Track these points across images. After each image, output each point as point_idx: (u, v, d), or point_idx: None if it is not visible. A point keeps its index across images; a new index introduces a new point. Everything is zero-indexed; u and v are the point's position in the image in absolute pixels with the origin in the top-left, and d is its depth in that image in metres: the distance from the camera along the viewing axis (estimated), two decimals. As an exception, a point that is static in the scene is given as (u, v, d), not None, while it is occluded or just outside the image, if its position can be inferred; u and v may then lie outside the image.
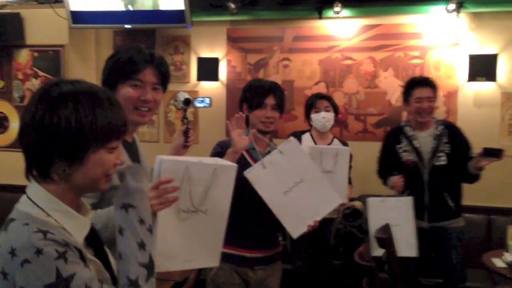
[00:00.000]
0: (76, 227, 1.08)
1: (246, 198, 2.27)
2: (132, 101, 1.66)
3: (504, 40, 4.02)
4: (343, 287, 3.68)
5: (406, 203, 2.96)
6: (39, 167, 1.06)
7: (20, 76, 4.58)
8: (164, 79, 1.73)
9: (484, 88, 4.05)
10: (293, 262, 3.55)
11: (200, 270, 2.98)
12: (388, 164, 3.26)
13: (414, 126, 3.16)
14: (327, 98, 3.40)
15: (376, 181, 4.04)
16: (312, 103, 3.37)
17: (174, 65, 4.72)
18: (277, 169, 2.17)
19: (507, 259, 3.04)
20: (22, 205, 1.07)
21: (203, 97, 2.34)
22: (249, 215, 2.30)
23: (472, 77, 3.95)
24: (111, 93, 1.17)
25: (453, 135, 3.10)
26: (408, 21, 4.20)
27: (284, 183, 2.18)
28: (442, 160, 3.07)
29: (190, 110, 2.19)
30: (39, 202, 1.06)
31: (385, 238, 3.00)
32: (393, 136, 3.25)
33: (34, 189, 1.08)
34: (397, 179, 3.09)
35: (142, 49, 1.70)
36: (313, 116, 3.33)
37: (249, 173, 2.16)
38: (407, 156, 3.13)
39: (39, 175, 1.07)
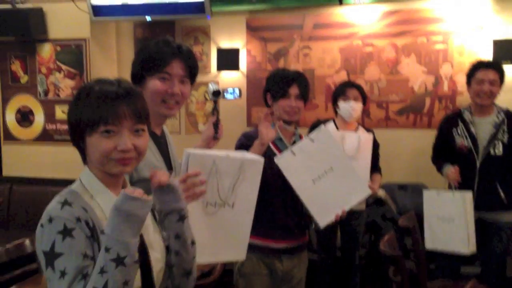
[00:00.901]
0: (105, 202, 1.21)
1: (272, 188, 2.28)
2: (160, 94, 1.68)
3: (530, 23, 3.93)
4: (368, 276, 3.67)
5: (462, 198, 2.87)
6: (78, 151, 1.25)
7: (44, 70, 4.64)
8: (192, 71, 1.74)
9: (510, 73, 3.97)
10: (319, 254, 3.54)
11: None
12: (443, 150, 3.18)
13: (474, 111, 3.08)
14: (357, 87, 3.31)
15: (399, 169, 4.02)
16: (341, 91, 3.29)
17: (195, 54, 4.72)
18: (307, 156, 2.18)
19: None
20: (74, 183, 1.25)
21: (233, 88, 2.33)
22: (276, 205, 2.31)
23: (497, 61, 3.86)
24: (105, 87, 1.21)
25: None
26: (430, 5, 4.13)
27: (313, 170, 2.19)
28: (498, 150, 2.97)
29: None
30: (83, 179, 1.24)
31: (410, 227, 3.00)
32: (450, 121, 3.17)
33: (84, 170, 1.26)
34: (452, 172, 3.01)
35: (170, 42, 1.71)
36: (341, 104, 3.25)
37: (279, 160, 2.17)
38: (462, 141, 3.06)
39: (82, 158, 1.26)
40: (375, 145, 3.28)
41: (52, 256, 1.10)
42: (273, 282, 2.37)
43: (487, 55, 3.92)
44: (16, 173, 4.72)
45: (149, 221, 1.30)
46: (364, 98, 3.31)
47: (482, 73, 3.00)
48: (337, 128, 3.33)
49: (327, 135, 2.25)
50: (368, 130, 3.35)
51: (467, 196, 2.89)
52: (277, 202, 2.31)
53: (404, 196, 4.01)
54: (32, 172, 4.60)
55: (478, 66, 3.05)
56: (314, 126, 3.40)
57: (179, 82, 1.70)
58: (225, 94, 2.32)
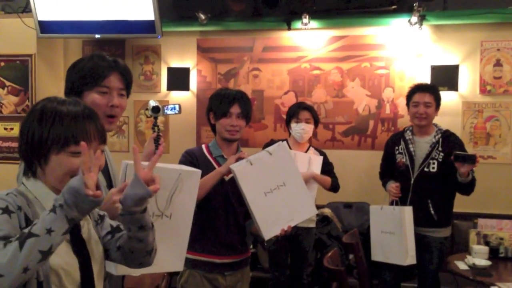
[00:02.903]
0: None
1: (216, 205, 2.33)
2: (101, 108, 1.68)
3: (465, 51, 4.20)
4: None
5: (401, 212, 3.02)
6: (27, 167, 1.27)
7: (-14, 86, 4.50)
8: (128, 85, 1.78)
9: (446, 97, 4.20)
10: (272, 272, 3.59)
11: (171, 278, 2.99)
12: (388, 167, 3.32)
13: (415, 131, 3.23)
14: (310, 109, 3.41)
15: (345, 188, 4.13)
16: (294, 113, 3.38)
17: (145, 74, 4.73)
18: (263, 168, 2.23)
19: (469, 262, 3.14)
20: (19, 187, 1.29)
21: (173, 104, 2.40)
22: (219, 222, 2.34)
23: (433, 85, 4.08)
24: (72, 108, 1.25)
25: (448, 144, 3.12)
26: (374, 32, 4.34)
27: (266, 183, 2.23)
28: (432, 168, 3.10)
29: (160, 118, 2.22)
30: (28, 185, 1.27)
31: (353, 243, 3.09)
32: (394, 140, 3.34)
33: (27, 181, 1.28)
34: (393, 187, 3.15)
35: (105, 57, 1.74)
36: (293, 125, 3.35)
37: (235, 167, 2.20)
38: (401, 158, 3.20)
39: (30, 174, 1.27)
40: (329, 166, 3.42)
41: None
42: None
43: (426, 80, 4.14)
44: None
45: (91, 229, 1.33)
46: (316, 120, 3.42)
47: (418, 96, 3.17)
48: (290, 147, 3.41)
49: (285, 151, 2.32)
50: (320, 152, 3.45)
51: (406, 211, 3.03)
52: (220, 219, 2.34)
53: (349, 214, 4.13)
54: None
55: (415, 89, 3.22)
56: (267, 146, 3.47)
57: (118, 95, 1.73)
58: (165, 110, 2.37)
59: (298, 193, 2.30)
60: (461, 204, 3.36)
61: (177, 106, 2.37)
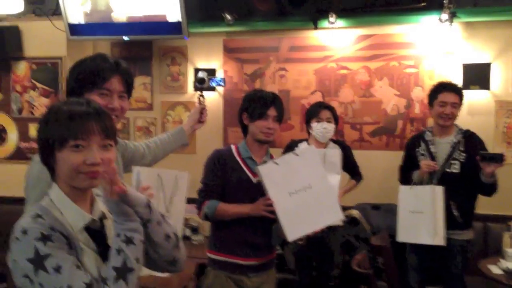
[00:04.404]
0: (73, 217, 1.26)
1: (241, 203, 2.34)
2: None
3: (497, 49, 4.08)
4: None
5: (432, 190, 2.97)
6: (47, 168, 1.30)
7: (19, 88, 4.61)
8: (129, 86, 1.78)
9: (478, 96, 4.11)
10: (298, 274, 3.56)
11: (198, 279, 3.00)
12: (409, 169, 3.26)
13: (435, 132, 3.18)
14: (330, 108, 3.39)
15: (373, 189, 4.08)
16: (314, 112, 3.37)
17: (171, 75, 4.76)
18: (289, 169, 2.24)
19: (503, 266, 3.06)
20: (43, 199, 1.30)
21: (219, 78, 2.63)
22: (244, 223, 2.34)
23: (466, 85, 3.98)
24: (73, 107, 1.27)
25: (470, 144, 3.07)
26: (402, 31, 4.26)
27: (292, 184, 2.24)
28: (454, 168, 3.05)
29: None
30: (51, 195, 1.29)
31: (382, 246, 3.05)
32: (414, 141, 3.30)
33: (52, 187, 1.30)
34: (426, 162, 3.07)
35: (107, 58, 1.74)
36: (314, 125, 3.33)
37: (261, 167, 2.22)
38: (424, 160, 3.13)
39: (51, 175, 1.30)
40: (351, 159, 3.43)
41: (39, 259, 1.14)
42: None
43: (457, 79, 4.05)
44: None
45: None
46: (336, 119, 3.39)
47: (445, 95, 3.10)
48: None
49: (312, 153, 2.33)
50: (341, 145, 3.44)
51: (437, 189, 2.98)
52: (246, 221, 2.34)
53: (377, 216, 4.06)
54: (5, 191, 4.51)
55: (441, 88, 3.15)
56: (288, 147, 3.47)
57: (118, 97, 1.73)
58: (210, 82, 2.60)
59: (324, 197, 2.29)
60: (494, 206, 3.28)
61: (218, 78, 2.60)
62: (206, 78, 2.36)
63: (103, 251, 1.27)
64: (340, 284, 3.70)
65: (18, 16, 4.50)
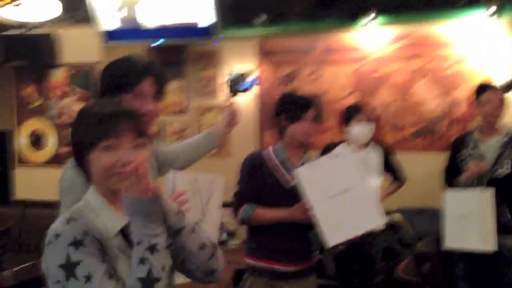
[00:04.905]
0: (109, 220, 1.21)
1: (278, 208, 2.26)
2: None
3: (545, 45, 3.89)
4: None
5: (482, 194, 2.82)
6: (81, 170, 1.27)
7: (57, 94, 4.67)
8: (162, 88, 1.70)
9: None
10: (339, 281, 3.45)
11: (235, 285, 2.92)
12: (455, 171, 3.10)
13: (482, 132, 3.04)
14: (367, 109, 3.30)
15: (416, 193, 3.93)
16: (351, 114, 3.27)
17: (204, 80, 4.73)
18: (327, 171, 2.15)
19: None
20: (80, 202, 1.26)
21: (250, 78, 2.58)
22: (281, 227, 2.26)
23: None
24: (103, 108, 1.24)
25: None
26: (444, 28, 4.11)
27: (331, 187, 2.15)
28: (505, 169, 2.90)
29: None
30: (87, 197, 1.25)
31: (428, 252, 2.91)
32: (459, 142, 3.14)
33: (89, 189, 1.26)
34: (474, 164, 2.92)
35: (140, 60, 1.68)
36: (352, 127, 3.23)
37: (299, 170, 2.15)
38: (472, 161, 2.98)
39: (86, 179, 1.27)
40: (388, 153, 3.34)
41: (70, 266, 1.10)
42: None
43: (504, 77, 3.87)
44: (28, 197, 4.69)
45: None
46: (375, 120, 3.30)
47: (491, 93, 2.96)
48: None
49: (352, 155, 2.26)
50: (383, 145, 3.34)
51: (487, 192, 2.81)
52: (284, 226, 2.26)
53: (422, 220, 3.91)
54: (44, 196, 4.54)
55: (487, 86, 3.02)
56: (326, 149, 3.37)
57: (151, 100, 1.65)
58: (243, 83, 2.54)
59: (364, 199, 2.19)
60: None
61: (254, 80, 2.55)
62: (238, 79, 2.31)
63: None
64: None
65: (55, 22, 4.56)
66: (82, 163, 1.24)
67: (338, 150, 2.24)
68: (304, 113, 2.27)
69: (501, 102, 2.96)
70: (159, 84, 1.67)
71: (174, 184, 1.61)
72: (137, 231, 1.13)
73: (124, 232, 1.21)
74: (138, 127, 1.23)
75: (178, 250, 1.25)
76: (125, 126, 1.20)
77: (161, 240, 1.14)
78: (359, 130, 3.19)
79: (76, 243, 1.11)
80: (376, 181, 2.95)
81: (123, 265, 1.17)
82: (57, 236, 1.12)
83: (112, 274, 1.12)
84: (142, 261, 1.11)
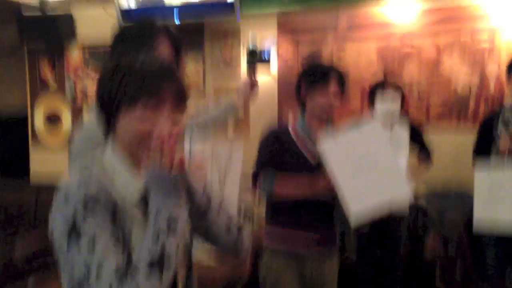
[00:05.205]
0: (126, 187, 1.11)
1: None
2: None
3: None
4: (409, 285, 3.40)
5: None
6: (102, 123, 1.17)
7: (73, 75, 4.62)
8: (178, 51, 1.64)
9: None
10: (361, 264, 3.32)
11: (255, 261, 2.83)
12: (485, 152, 2.93)
13: None
14: (396, 87, 3.13)
15: (442, 176, 3.75)
16: (378, 92, 3.11)
17: (224, 60, 4.61)
18: (352, 145, 2.04)
19: None
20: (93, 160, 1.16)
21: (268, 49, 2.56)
22: (306, 206, 2.14)
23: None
24: (147, 64, 1.12)
25: None
26: (474, 1, 3.87)
27: (357, 161, 2.03)
28: None
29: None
30: (104, 158, 1.14)
31: (456, 235, 2.75)
32: (489, 121, 2.97)
33: (106, 148, 1.15)
34: (505, 138, 2.74)
35: (152, 21, 1.63)
36: (378, 105, 3.07)
37: (322, 145, 2.04)
38: (503, 136, 2.80)
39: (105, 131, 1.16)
40: (417, 131, 3.18)
41: (76, 230, 1.02)
42: (302, 287, 2.18)
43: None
44: (44, 180, 4.66)
45: None
46: (403, 99, 3.12)
47: None
48: None
49: (379, 128, 2.11)
50: (411, 121, 3.19)
51: None
52: (308, 203, 2.14)
53: (448, 204, 3.72)
54: (59, 178, 4.53)
55: None
56: None
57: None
58: (262, 54, 2.56)
59: (392, 175, 2.05)
60: None
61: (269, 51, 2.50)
62: (257, 51, 2.25)
63: None
64: (406, 273, 3.41)
65: (71, 3, 4.51)
66: (108, 119, 1.14)
67: (364, 123, 2.10)
68: (325, 81, 2.13)
69: None
70: (174, 46, 1.60)
71: (190, 154, 1.55)
72: (156, 201, 1.05)
73: (141, 200, 1.12)
74: (180, 91, 1.13)
75: (205, 230, 1.20)
76: (168, 87, 1.10)
77: (182, 215, 1.06)
78: (386, 104, 3.03)
79: (85, 207, 1.02)
80: (405, 158, 2.80)
81: (136, 234, 1.08)
82: (66, 198, 1.04)
83: (118, 241, 1.03)
84: (156, 234, 1.03)
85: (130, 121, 1.09)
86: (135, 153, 1.11)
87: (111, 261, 0.99)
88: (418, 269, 3.30)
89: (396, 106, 3.04)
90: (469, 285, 2.53)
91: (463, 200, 3.66)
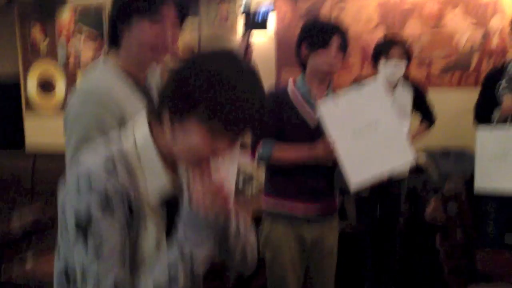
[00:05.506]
0: (154, 183, 1.04)
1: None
2: (150, 40, 1.43)
3: None
4: (409, 246, 3.44)
5: None
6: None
7: (64, 34, 4.48)
8: (183, 16, 1.48)
9: None
10: (360, 225, 3.34)
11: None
12: (488, 108, 2.88)
13: None
14: (401, 44, 3.04)
15: (442, 132, 3.71)
16: (383, 49, 3.02)
17: (220, 16, 4.47)
18: (353, 105, 2.00)
19: None
20: (127, 141, 1.06)
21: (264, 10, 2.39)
22: (304, 167, 2.11)
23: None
24: None
25: None
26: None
27: (356, 122, 1.99)
28: None
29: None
30: (138, 142, 1.04)
31: (456, 194, 2.73)
32: (493, 75, 2.91)
33: (141, 126, 1.06)
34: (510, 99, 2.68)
35: None
36: (383, 64, 3.00)
37: (321, 104, 2.00)
38: (506, 94, 2.73)
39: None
40: (420, 92, 3.13)
41: (87, 224, 0.97)
42: (302, 251, 2.19)
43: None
44: (39, 145, 4.60)
45: None
46: (409, 55, 3.04)
47: None
48: None
49: (380, 87, 2.06)
50: (412, 84, 3.12)
51: None
52: (306, 165, 2.10)
53: (448, 161, 3.70)
54: (55, 143, 4.47)
55: None
56: (354, 84, 3.18)
57: (172, 26, 1.45)
58: (257, 16, 2.44)
59: (392, 136, 2.03)
60: None
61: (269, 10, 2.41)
62: (251, 14, 2.16)
63: (169, 224, 1.08)
64: (407, 234, 3.44)
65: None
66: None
67: (365, 82, 2.05)
68: (328, 40, 2.06)
69: None
70: (180, 12, 1.46)
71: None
72: (182, 236, 1.00)
73: (164, 202, 1.06)
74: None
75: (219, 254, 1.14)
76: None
77: (204, 252, 1.00)
78: (390, 67, 2.96)
79: (104, 203, 0.97)
80: (406, 120, 2.76)
81: (146, 246, 1.04)
82: (89, 187, 0.96)
83: (124, 250, 0.98)
84: (169, 266, 0.98)
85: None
86: (184, 164, 1.05)
87: (112, 273, 0.96)
88: (418, 231, 3.32)
89: (400, 71, 2.97)
90: (469, 247, 2.54)
91: (463, 159, 3.65)
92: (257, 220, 2.28)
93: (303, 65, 2.18)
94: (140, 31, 1.40)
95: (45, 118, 4.64)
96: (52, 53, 4.55)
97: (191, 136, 0.97)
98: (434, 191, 3.46)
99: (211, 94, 0.95)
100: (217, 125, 0.96)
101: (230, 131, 0.97)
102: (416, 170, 3.54)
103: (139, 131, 1.05)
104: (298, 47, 2.17)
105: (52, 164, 4.26)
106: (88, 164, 0.99)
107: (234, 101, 0.95)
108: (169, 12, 1.42)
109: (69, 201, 0.99)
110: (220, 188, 0.99)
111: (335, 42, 2.07)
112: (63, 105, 4.60)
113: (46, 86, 4.62)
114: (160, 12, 1.40)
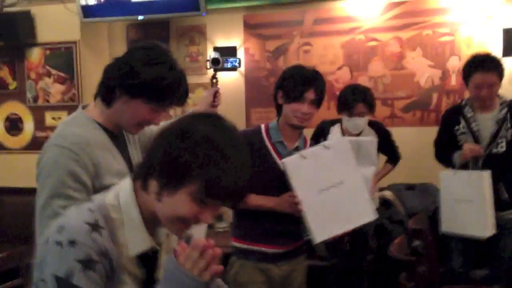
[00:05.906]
0: (134, 239, 1.04)
1: (269, 192, 2.12)
2: (140, 119, 1.54)
3: (541, 11, 3.72)
4: (376, 281, 3.47)
5: (480, 177, 2.68)
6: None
7: (33, 75, 4.46)
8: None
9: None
10: (330, 260, 3.36)
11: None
12: (447, 147, 2.95)
13: (476, 106, 2.83)
14: (365, 99, 3.02)
15: (406, 169, 3.81)
16: (346, 105, 3.03)
17: (190, 56, 4.55)
18: (318, 163, 2.01)
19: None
20: (111, 196, 1.06)
21: (234, 58, 2.50)
22: (269, 211, 2.13)
23: (507, 52, 3.62)
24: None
25: None
26: (437, -5, 3.94)
27: (322, 180, 2.02)
28: (500, 147, 2.74)
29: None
30: (121, 199, 1.05)
31: (421, 229, 2.80)
32: (451, 116, 2.95)
33: (124, 185, 1.07)
34: (471, 147, 2.73)
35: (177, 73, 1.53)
36: (345, 119, 3.05)
37: (287, 161, 2.02)
38: (465, 139, 2.82)
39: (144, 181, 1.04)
40: (384, 134, 3.21)
41: (67, 285, 0.95)
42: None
43: (497, 46, 3.71)
44: (5, 184, 4.51)
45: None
46: (372, 107, 3.09)
47: (481, 76, 2.70)
48: (342, 133, 3.14)
49: (345, 145, 2.09)
50: (376, 126, 3.21)
51: (485, 176, 2.68)
52: (274, 217, 2.13)
53: (412, 196, 3.80)
54: (22, 182, 4.39)
55: (475, 67, 2.74)
56: (319, 129, 3.26)
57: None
58: (225, 63, 2.48)
59: (356, 194, 2.08)
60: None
61: (235, 60, 2.49)
62: (220, 59, 2.21)
63: (146, 282, 1.08)
64: (376, 270, 3.47)
65: (30, 0, 4.35)
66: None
67: (330, 138, 2.10)
68: (302, 94, 2.06)
69: (491, 84, 2.70)
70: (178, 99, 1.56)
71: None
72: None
73: (142, 257, 1.06)
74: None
75: None
76: None
77: None
78: (352, 124, 3.04)
79: (87, 264, 0.96)
80: (370, 171, 2.81)
81: None
82: (72, 243, 0.96)
83: None
84: None
85: (182, 198, 0.99)
86: (167, 227, 1.06)
87: None
88: (385, 266, 3.36)
89: (363, 124, 3.05)
90: (434, 284, 2.59)
91: (427, 194, 3.76)
92: (226, 258, 2.29)
93: (279, 109, 2.18)
94: (137, 109, 1.48)
95: (12, 156, 4.58)
96: (20, 94, 4.52)
97: (179, 207, 0.98)
98: (400, 226, 3.54)
99: (205, 170, 0.94)
100: (211, 201, 0.98)
101: (223, 204, 1.01)
102: (383, 204, 3.62)
103: (122, 189, 1.07)
104: (275, 93, 2.17)
105: (16, 201, 4.22)
106: (71, 223, 1.00)
107: (229, 177, 0.96)
108: (170, 102, 1.52)
109: (47, 257, 0.98)
110: (207, 247, 0.97)
111: (309, 96, 2.06)
112: (30, 145, 4.54)
113: (14, 125, 4.57)
114: (163, 100, 1.48)
